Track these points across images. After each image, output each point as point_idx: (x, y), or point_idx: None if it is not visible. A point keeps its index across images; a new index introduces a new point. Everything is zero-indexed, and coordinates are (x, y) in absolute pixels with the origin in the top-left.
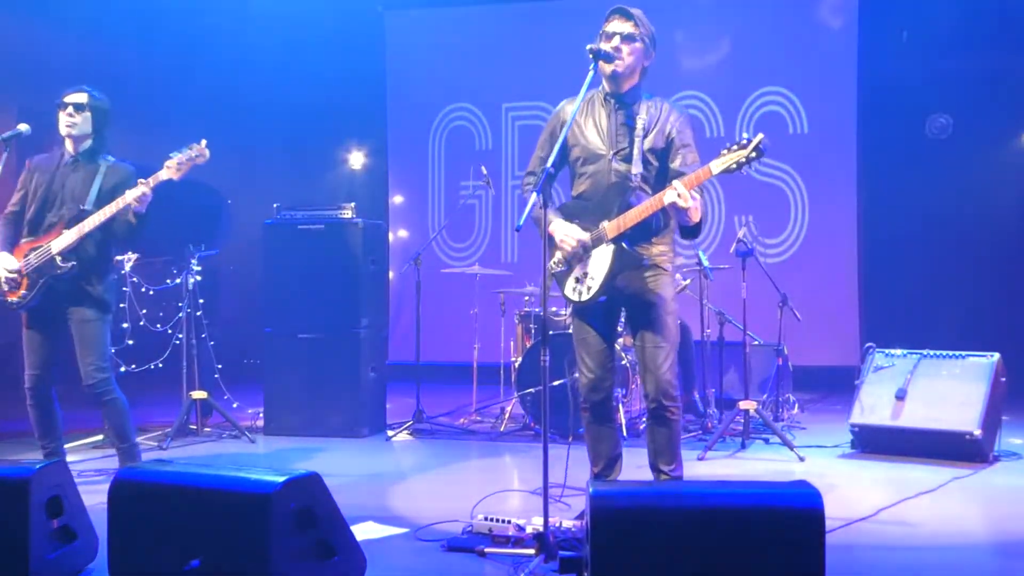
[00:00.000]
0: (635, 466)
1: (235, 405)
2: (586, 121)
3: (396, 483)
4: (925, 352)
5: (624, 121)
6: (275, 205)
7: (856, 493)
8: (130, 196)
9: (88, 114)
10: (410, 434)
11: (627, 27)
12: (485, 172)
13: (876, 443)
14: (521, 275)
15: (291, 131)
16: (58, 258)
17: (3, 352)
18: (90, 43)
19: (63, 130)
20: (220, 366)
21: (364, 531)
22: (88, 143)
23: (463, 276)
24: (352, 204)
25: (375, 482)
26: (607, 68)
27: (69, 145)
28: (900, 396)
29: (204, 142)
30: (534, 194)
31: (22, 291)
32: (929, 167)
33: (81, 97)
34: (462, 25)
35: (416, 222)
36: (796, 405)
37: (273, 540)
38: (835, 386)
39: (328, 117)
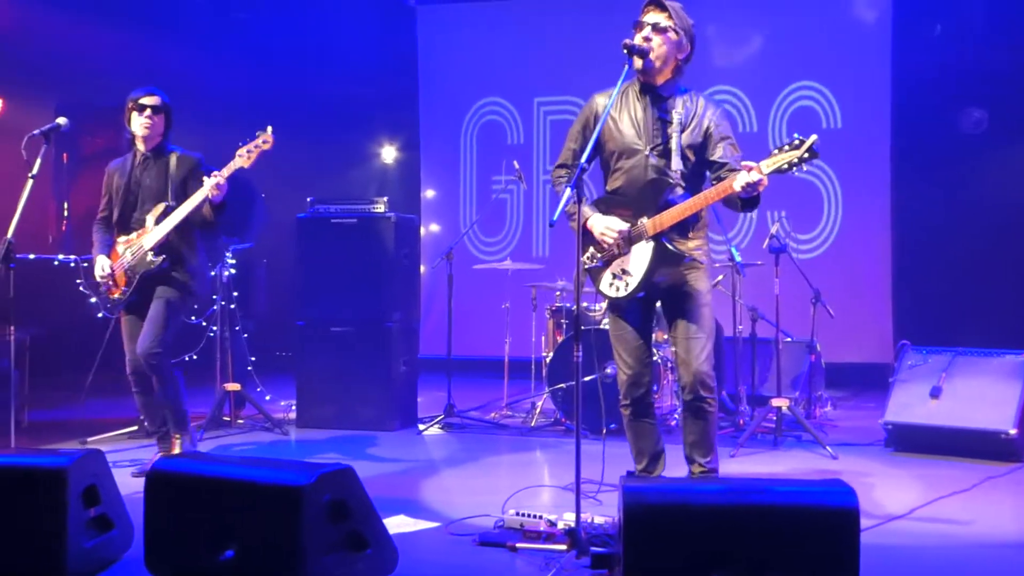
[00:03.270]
0: (669, 463)
1: (268, 397)
2: (621, 115)
3: (427, 477)
4: (959, 350)
5: (659, 115)
6: (308, 199)
7: (890, 492)
8: (207, 187)
9: (162, 115)
10: (441, 428)
11: (660, 17)
12: (517, 167)
13: (910, 441)
14: (553, 270)
15: (324, 126)
16: (150, 254)
17: (40, 343)
18: (123, 40)
19: (139, 131)
20: (253, 358)
21: (396, 524)
22: (158, 141)
23: (494, 270)
24: (385, 198)
25: (406, 476)
26: (639, 62)
27: (141, 144)
28: (934, 394)
29: (270, 129)
30: (568, 189)
31: (122, 287)
32: (963, 162)
33: (156, 99)
34: (494, 19)
35: (448, 216)
36: (829, 402)
37: (306, 532)
38: (868, 383)
39: (361, 112)
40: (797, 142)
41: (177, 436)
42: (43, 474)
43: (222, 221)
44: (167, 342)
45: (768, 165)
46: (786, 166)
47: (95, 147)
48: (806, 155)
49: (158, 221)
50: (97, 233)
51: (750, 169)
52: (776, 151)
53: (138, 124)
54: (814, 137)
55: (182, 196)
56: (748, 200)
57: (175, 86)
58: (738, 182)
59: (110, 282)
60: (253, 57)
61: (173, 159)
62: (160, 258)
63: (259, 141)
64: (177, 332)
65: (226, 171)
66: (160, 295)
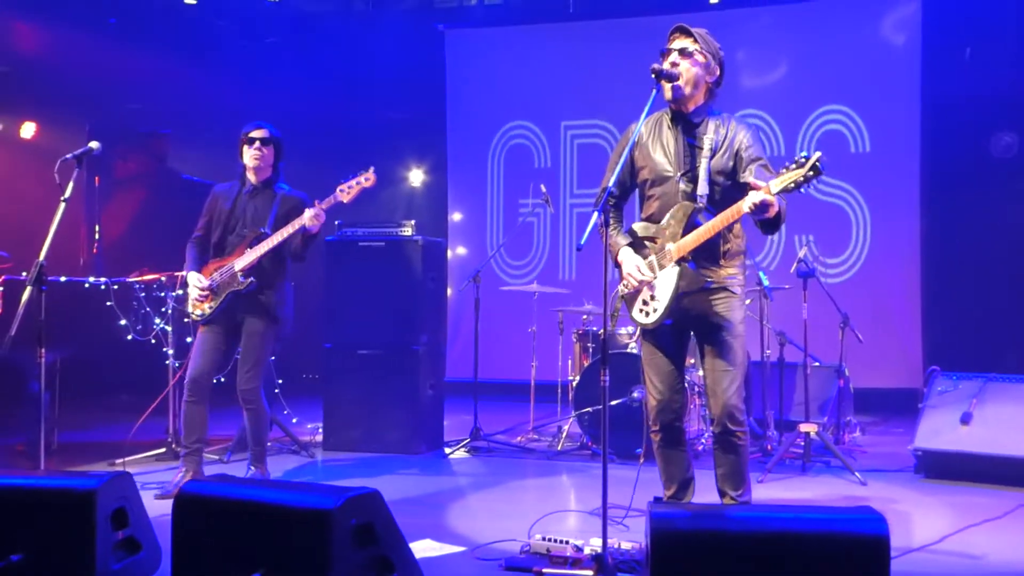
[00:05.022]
0: (698, 488)
1: (295, 420)
2: (654, 144)
3: (453, 501)
4: (990, 376)
5: (690, 141)
6: (336, 222)
7: (920, 519)
8: (306, 217)
9: (271, 147)
10: (467, 451)
11: (686, 42)
12: (544, 190)
13: (940, 468)
14: (579, 293)
15: (353, 148)
16: (239, 275)
17: (70, 365)
18: (155, 65)
19: (250, 162)
20: (280, 381)
21: (422, 549)
22: (268, 173)
23: (521, 294)
24: (412, 221)
25: (433, 499)
26: (667, 87)
27: (251, 175)
28: (965, 420)
29: (372, 169)
30: (596, 213)
31: (207, 304)
32: (993, 186)
33: (264, 132)
34: (521, 44)
35: (475, 240)
36: (857, 428)
37: (333, 556)
38: (897, 409)
39: (389, 135)
40: (802, 160)
41: (255, 468)
42: (72, 496)
43: (311, 251)
44: (261, 376)
45: (775, 185)
46: (792, 185)
47: (127, 171)
48: (810, 173)
49: (252, 245)
50: (190, 251)
51: (758, 189)
52: (783, 170)
53: (248, 156)
54: (818, 154)
55: (279, 228)
56: (765, 222)
57: (206, 110)
58: (746, 202)
59: (205, 295)
60: (283, 81)
61: (280, 195)
62: (249, 280)
63: (361, 179)
64: (268, 362)
65: (325, 204)
66: (252, 330)
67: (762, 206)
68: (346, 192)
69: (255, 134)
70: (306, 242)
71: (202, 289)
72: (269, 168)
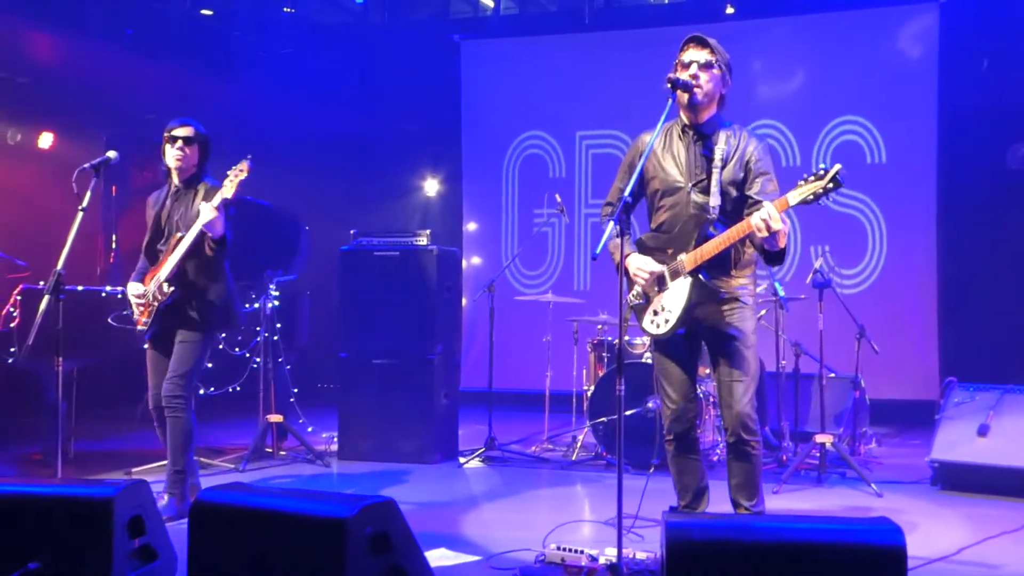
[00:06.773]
0: (713, 499)
1: (310, 429)
2: (664, 154)
3: (468, 510)
4: (1008, 387)
5: (702, 152)
6: (352, 232)
7: (936, 531)
8: (204, 217)
9: (195, 147)
10: (482, 461)
11: (703, 54)
12: (559, 200)
13: (957, 480)
14: (594, 303)
15: (368, 159)
16: (165, 284)
17: (89, 374)
18: (171, 75)
19: (171, 163)
20: (296, 390)
21: (437, 558)
22: (191, 173)
23: (536, 303)
24: (427, 231)
25: (447, 509)
26: (685, 97)
27: (175, 176)
28: (982, 432)
29: (249, 157)
30: (611, 223)
31: (144, 318)
32: (1010, 198)
33: (189, 131)
34: (536, 54)
35: (490, 249)
36: (873, 439)
37: (349, 564)
38: (913, 420)
39: (404, 145)
40: (821, 171)
41: (168, 494)
42: (89, 504)
43: (223, 255)
44: (189, 385)
45: (794, 196)
46: (811, 197)
47: (143, 181)
48: (830, 185)
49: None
50: (139, 262)
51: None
52: (802, 182)
53: (171, 156)
54: (837, 167)
55: None
56: (770, 255)
57: (220, 121)
58: (754, 219)
59: (143, 306)
60: (298, 92)
61: (202, 191)
62: (171, 289)
63: (235, 171)
64: (201, 373)
65: (216, 202)
66: (181, 338)
67: (771, 237)
68: (228, 187)
69: (178, 132)
70: (216, 244)
71: (137, 297)
72: (193, 167)
